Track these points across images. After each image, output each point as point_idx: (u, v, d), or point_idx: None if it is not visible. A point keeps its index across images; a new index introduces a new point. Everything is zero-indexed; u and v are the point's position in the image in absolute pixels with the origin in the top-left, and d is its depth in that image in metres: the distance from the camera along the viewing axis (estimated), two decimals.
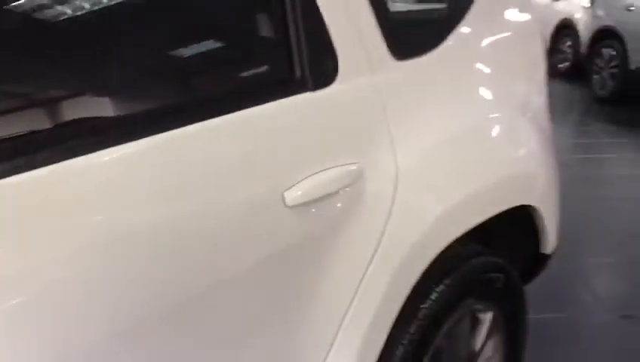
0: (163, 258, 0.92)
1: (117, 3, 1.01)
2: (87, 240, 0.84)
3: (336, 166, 1.14)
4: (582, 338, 2.41)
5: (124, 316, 0.89)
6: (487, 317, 1.61)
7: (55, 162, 0.82)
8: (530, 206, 1.59)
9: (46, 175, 0.81)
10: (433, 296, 1.39)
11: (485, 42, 1.55)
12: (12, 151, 0.80)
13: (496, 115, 1.55)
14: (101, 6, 0.98)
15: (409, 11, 1.45)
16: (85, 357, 0.86)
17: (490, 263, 1.56)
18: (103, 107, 0.97)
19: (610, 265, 3.02)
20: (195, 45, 1.09)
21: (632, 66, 6.33)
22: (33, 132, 0.85)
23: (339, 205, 1.14)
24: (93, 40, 0.96)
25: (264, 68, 1.18)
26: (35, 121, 0.89)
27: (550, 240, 1.74)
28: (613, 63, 6.64)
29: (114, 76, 1.00)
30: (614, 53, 6.60)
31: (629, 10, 6.40)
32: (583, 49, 7.23)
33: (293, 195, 1.06)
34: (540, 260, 1.79)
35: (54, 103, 0.94)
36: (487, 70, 1.54)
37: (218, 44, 1.14)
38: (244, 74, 1.18)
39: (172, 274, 0.93)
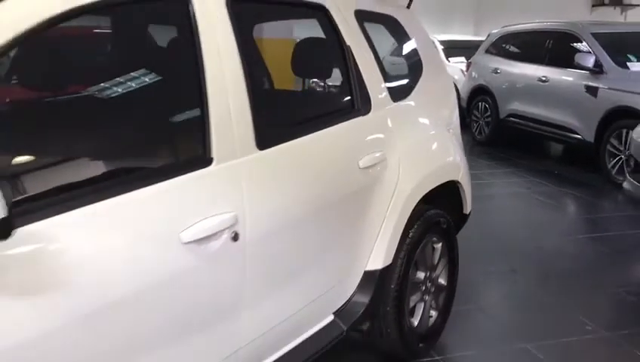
0: (308, 187, 2.08)
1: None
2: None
3: (376, 151, 2.38)
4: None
5: (283, 217, 2.04)
6: (439, 246, 2.86)
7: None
8: (457, 181, 2.89)
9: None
10: (414, 229, 2.62)
11: (429, 92, 2.88)
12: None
13: (437, 130, 2.87)
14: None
15: (394, 76, 2.74)
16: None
17: (439, 214, 2.82)
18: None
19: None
20: (314, 91, 2.31)
21: (502, 116, 8.13)
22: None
23: (378, 169, 2.38)
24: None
25: (346, 104, 2.40)
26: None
27: (468, 205, 3.06)
28: (487, 114, 8.42)
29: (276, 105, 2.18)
30: (487, 106, 8.40)
31: (497, 73, 8.25)
32: (463, 103, 8.91)
33: (362, 163, 2.29)
34: (463, 217, 3.09)
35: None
36: (431, 106, 2.86)
37: (326, 90, 2.37)
38: (338, 105, 2.41)
39: (309, 198, 2.09)
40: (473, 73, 8.82)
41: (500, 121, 8.16)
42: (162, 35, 1.76)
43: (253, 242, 1.77)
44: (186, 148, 1.74)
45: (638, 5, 15.59)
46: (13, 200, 1.08)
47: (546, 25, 7.96)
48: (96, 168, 1.46)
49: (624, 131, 6.05)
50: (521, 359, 2.88)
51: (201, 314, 1.66)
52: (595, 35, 6.89)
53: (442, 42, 9.96)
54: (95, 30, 1.72)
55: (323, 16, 2.34)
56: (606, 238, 4.78)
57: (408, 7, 3.02)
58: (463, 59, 9.62)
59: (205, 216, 1.62)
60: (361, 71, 2.41)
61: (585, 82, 6.68)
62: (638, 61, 6.70)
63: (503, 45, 8.56)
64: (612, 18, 15.26)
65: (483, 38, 9.59)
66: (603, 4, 15.75)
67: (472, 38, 11.39)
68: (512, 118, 7.98)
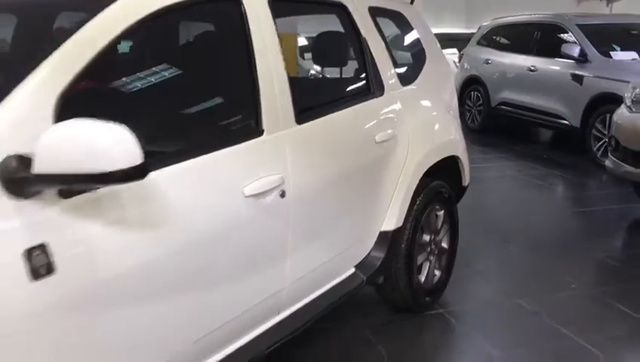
0: (336, 157, 2.47)
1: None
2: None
3: (388, 128, 2.77)
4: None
5: (317, 180, 2.44)
6: (441, 213, 3.26)
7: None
8: (457, 156, 3.29)
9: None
10: (420, 197, 3.01)
11: (432, 78, 3.27)
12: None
13: (438, 111, 3.26)
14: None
15: (402, 64, 3.13)
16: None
17: (442, 185, 3.21)
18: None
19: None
20: (337, 77, 2.70)
21: (493, 104, 8.55)
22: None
23: (391, 143, 2.77)
24: None
25: (363, 88, 2.79)
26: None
27: (466, 178, 3.46)
28: (479, 103, 8.84)
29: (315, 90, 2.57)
30: (479, 95, 8.82)
31: (488, 63, 8.66)
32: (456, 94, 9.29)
33: (377, 138, 2.68)
34: (462, 189, 3.49)
35: None
36: (434, 90, 3.26)
37: (345, 76, 2.76)
38: (357, 89, 2.80)
39: (336, 166, 2.48)
40: (465, 64, 9.22)
41: (491, 110, 8.58)
42: (223, 29, 2.14)
43: (296, 200, 2.16)
44: (245, 122, 2.12)
45: None
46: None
47: (534, 17, 8.38)
48: (188, 135, 1.83)
49: (608, 116, 6.45)
50: (514, 311, 3.28)
51: (256, 256, 2.05)
52: (581, 27, 7.31)
53: (435, 35, 10.32)
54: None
55: (342, 12, 2.73)
56: (590, 213, 5.22)
57: (412, 2, 3.41)
58: (455, 50, 10.01)
59: (260, 176, 2.01)
60: (376, 60, 2.81)
61: (571, 71, 7.09)
62: (620, 51, 7.14)
63: (494, 37, 8.97)
64: (598, 10, 15.73)
65: (474, 31, 10.01)
66: None
67: (464, 31, 11.79)
68: (502, 106, 8.39)
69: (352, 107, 2.63)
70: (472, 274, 3.72)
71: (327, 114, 2.46)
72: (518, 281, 3.68)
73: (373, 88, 2.78)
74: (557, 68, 7.37)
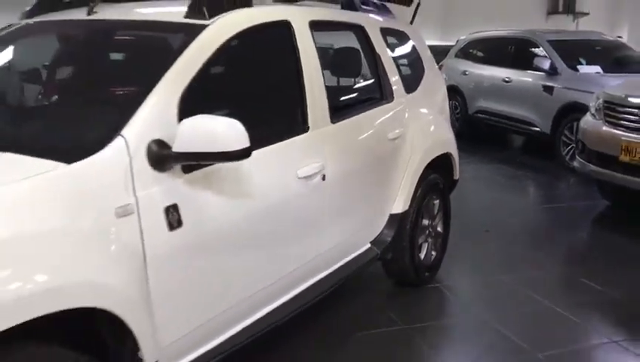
0: (359, 150, 3.04)
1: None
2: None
3: (397, 128, 3.34)
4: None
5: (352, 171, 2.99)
6: (437, 202, 3.84)
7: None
8: (450, 153, 3.88)
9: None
10: (421, 188, 3.59)
11: (429, 87, 3.86)
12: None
13: (434, 115, 3.85)
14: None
15: (406, 75, 3.71)
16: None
17: (437, 178, 3.79)
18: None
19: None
20: (356, 85, 3.27)
21: (470, 112, 9.21)
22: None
23: (399, 140, 3.34)
24: None
25: (377, 94, 3.36)
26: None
27: (456, 173, 4.05)
28: (457, 111, 9.49)
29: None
30: (457, 103, 9.48)
31: (465, 74, 9.34)
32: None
33: (390, 136, 3.26)
34: (454, 182, 4.08)
35: None
36: (431, 97, 3.85)
37: (363, 84, 3.33)
38: (372, 95, 3.36)
39: (360, 157, 3.05)
40: (444, 75, 9.83)
41: (468, 117, 9.24)
42: (281, 46, 2.69)
43: (332, 183, 2.71)
44: (297, 120, 2.66)
45: (588, 14, 17.06)
46: None
47: (508, 32, 9.09)
48: (263, 128, 2.37)
49: (575, 123, 7.14)
50: (496, 285, 3.87)
51: (304, 224, 2.60)
52: (551, 42, 8.01)
53: None
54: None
55: (360, 31, 3.30)
56: (558, 208, 5.88)
57: (411, 23, 4.01)
58: None
59: (308, 163, 2.56)
60: (387, 71, 3.38)
61: (542, 82, 7.77)
62: (586, 65, 7.85)
63: (470, 50, 9.65)
64: (565, 25, 16.71)
65: (449, 43, 10.69)
66: (557, 12, 17.20)
67: (440, 43, 12.49)
68: (479, 114, 9.06)
69: (370, 110, 3.21)
70: (459, 255, 4.30)
71: (353, 115, 3.02)
72: (498, 262, 4.28)
73: (385, 95, 3.36)
74: (529, 79, 8.04)
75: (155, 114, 1.95)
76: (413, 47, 3.86)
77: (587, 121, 5.42)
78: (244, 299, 2.29)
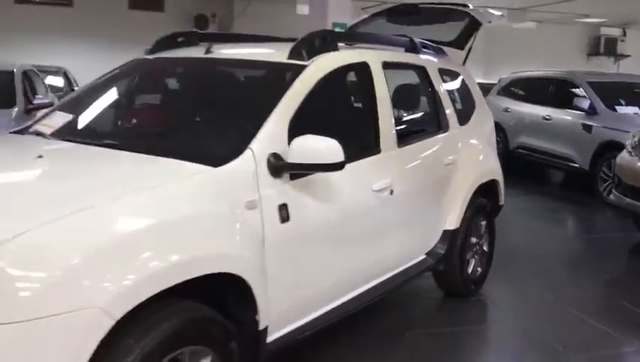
0: (421, 171, 3.55)
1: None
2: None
3: (451, 155, 3.85)
4: None
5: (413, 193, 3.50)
6: (484, 223, 4.30)
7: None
8: (496, 180, 4.35)
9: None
10: (470, 209, 4.05)
11: (479, 119, 4.36)
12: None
13: (483, 146, 4.34)
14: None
15: (459, 109, 4.21)
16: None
17: (484, 202, 4.26)
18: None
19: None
20: (417, 116, 3.80)
21: (511, 147, 9.63)
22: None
23: (453, 166, 3.84)
24: None
25: (435, 125, 3.88)
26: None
27: (501, 198, 4.51)
28: (498, 146, 9.90)
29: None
30: (499, 139, 9.89)
31: (507, 111, 9.79)
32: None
33: (445, 161, 3.76)
34: (499, 207, 4.54)
35: None
36: (480, 129, 4.34)
37: (422, 116, 3.86)
38: (431, 126, 3.88)
39: (421, 178, 3.56)
40: None
41: (509, 152, 9.66)
42: (360, 83, 3.26)
43: (398, 197, 3.22)
44: (372, 144, 3.18)
45: (629, 56, 17.34)
46: None
47: (549, 73, 9.55)
48: (347, 147, 2.88)
49: (612, 161, 7.50)
50: (538, 302, 4.28)
51: (376, 231, 3.11)
52: (591, 83, 8.43)
53: None
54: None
55: (422, 71, 3.84)
56: (596, 238, 6.25)
57: (464, 64, 4.53)
58: None
59: (380, 179, 3.08)
60: (443, 105, 3.91)
61: (581, 121, 8.17)
62: (624, 105, 8.24)
63: (512, 88, 10.12)
64: (606, 66, 17.04)
65: (492, 81, 11.17)
66: (598, 54, 17.54)
67: (483, 81, 12.99)
68: (520, 150, 9.48)
69: (429, 138, 3.72)
70: (503, 275, 4.72)
71: (415, 142, 3.55)
72: (538, 282, 4.69)
73: (442, 126, 3.87)
74: (569, 118, 8.46)
75: (273, 133, 2.50)
76: (466, 85, 4.38)
77: (623, 157, 5.81)
78: (334, 284, 2.80)
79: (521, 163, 9.60)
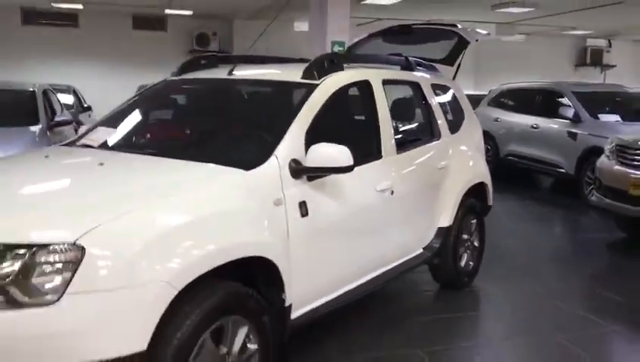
0: (417, 175, 4.03)
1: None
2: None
3: (444, 160, 4.33)
4: None
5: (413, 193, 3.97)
6: (474, 221, 4.77)
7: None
8: (485, 183, 4.83)
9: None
10: (462, 209, 4.52)
11: (468, 129, 4.84)
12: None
13: (472, 152, 4.82)
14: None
15: (450, 119, 4.69)
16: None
17: (474, 202, 4.73)
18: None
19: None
20: (413, 126, 4.29)
21: (502, 155, 10.14)
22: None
23: (445, 170, 4.32)
24: None
25: (428, 134, 4.36)
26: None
27: (490, 199, 4.98)
28: (489, 154, 10.41)
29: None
30: (490, 147, 10.40)
31: (497, 121, 10.30)
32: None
33: (438, 166, 4.25)
34: (488, 207, 5.01)
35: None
36: (469, 136, 4.82)
37: (417, 126, 4.34)
38: (425, 134, 4.36)
39: (418, 180, 4.03)
40: None
41: (500, 160, 10.16)
42: (364, 97, 3.74)
43: (398, 197, 3.68)
44: (374, 150, 3.65)
45: (614, 66, 17.96)
46: None
47: (537, 84, 10.09)
48: (355, 154, 3.33)
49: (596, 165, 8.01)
50: (524, 292, 4.74)
51: (380, 226, 3.57)
52: (575, 93, 8.95)
53: None
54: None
55: (417, 87, 4.33)
56: (580, 238, 6.73)
57: (454, 78, 5.02)
58: None
59: (382, 180, 3.55)
60: (436, 116, 4.39)
61: (567, 129, 8.68)
62: (607, 113, 8.75)
63: (502, 99, 10.65)
64: (593, 77, 17.64)
65: (482, 93, 11.70)
66: (585, 65, 18.14)
67: (473, 93, 13.52)
68: (510, 157, 9.98)
69: (424, 145, 4.20)
70: (494, 270, 5.18)
71: (411, 149, 4.03)
72: (526, 276, 5.15)
73: (435, 134, 4.36)
74: (555, 126, 8.96)
75: (292, 142, 2.97)
76: (456, 98, 4.87)
77: (603, 161, 6.31)
78: (345, 271, 3.27)
79: (511, 169, 10.10)
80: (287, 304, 2.83)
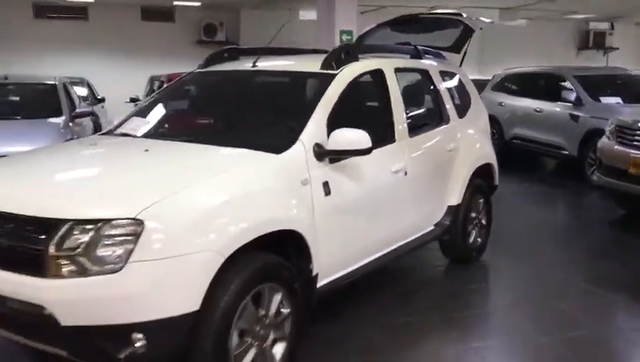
0: (429, 156, 4.32)
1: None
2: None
3: (452, 143, 4.62)
4: None
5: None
6: (481, 200, 5.07)
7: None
8: (491, 163, 5.12)
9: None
10: (470, 189, 4.81)
11: (475, 113, 5.12)
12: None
13: (479, 135, 5.10)
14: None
15: (458, 104, 4.97)
16: None
17: (481, 182, 5.02)
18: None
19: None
20: (423, 111, 4.58)
21: (506, 138, 10.40)
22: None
23: (454, 152, 4.61)
24: None
25: (437, 118, 4.64)
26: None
27: (496, 180, 5.28)
28: (494, 137, 10.66)
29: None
30: (495, 131, 10.66)
31: (501, 105, 10.56)
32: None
33: (447, 148, 4.54)
34: (494, 187, 5.31)
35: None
36: (475, 120, 5.11)
37: (427, 110, 4.63)
38: (434, 119, 4.65)
39: (429, 161, 4.32)
40: None
41: (505, 143, 10.42)
42: (377, 85, 4.02)
43: (411, 177, 3.98)
44: (388, 134, 3.94)
45: (617, 48, 18.12)
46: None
47: (539, 68, 10.34)
48: (372, 138, 3.61)
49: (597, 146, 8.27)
50: (529, 265, 5.04)
51: (395, 204, 3.88)
52: (577, 77, 9.18)
53: None
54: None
55: (426, 74, 4.61)
56: (581, 215, 7.01)
57: (460, 66, 5.30)
58: None
59: (396, 162, 3.85)
60: (444, 102, 4.67)
61: (569, 112, 8.93)
62: (608, 96, 9.00)
63: (506, 84, 10.89)
64: (595, 60, 17.82)
65: (486, 78, 11.93)
66: (588, 48, 18.30)
67: (478, 78, 13.75)
68: (515, 141, 10.24)
69: (434, 129, 4.49)
70: (501, 246, 5.48)
71: (423, 132, 4.32)
72: (530, 250, 5.46)
73: (443, 118, 4.64)
74: (558, 109, 9.21)
75: (316, 128, 3.27)
76: (462, 84, 5.14)
77: (603, 141, 6.58)
78: (363, 245, 3.58)
79: (516, 152, 10.36)
80: (314, 273, 3.15)
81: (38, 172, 3.05)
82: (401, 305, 4.15)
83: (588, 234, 6.13)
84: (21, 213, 2.53)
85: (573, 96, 8.90)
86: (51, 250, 2.39)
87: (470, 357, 3.48)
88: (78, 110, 7.54)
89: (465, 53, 5.32)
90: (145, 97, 11.43)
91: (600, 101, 8.79)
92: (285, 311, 2.93)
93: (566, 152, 9.05)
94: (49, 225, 2.43)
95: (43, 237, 2.42)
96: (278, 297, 2.88)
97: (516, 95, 10.42)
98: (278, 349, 2.92)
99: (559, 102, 9.18)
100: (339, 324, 3.78)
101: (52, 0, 13.76)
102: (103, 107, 11.56)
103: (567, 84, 9.23)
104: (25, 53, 13.38)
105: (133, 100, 11.06)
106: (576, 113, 8.81)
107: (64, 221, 2.41)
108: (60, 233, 2.40)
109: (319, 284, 3.24)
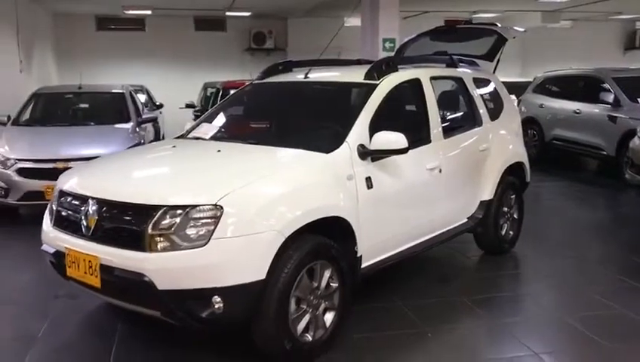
0: (463, 156, 4.80)
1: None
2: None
3: (484, 143, 5.08)
4: None
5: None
6: (513, 196, 5.50)
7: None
8: (522, 162, 5.55)
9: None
10: (502, 185, 5.25)
11: (507, 116, 5.56)
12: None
13: (511, 136, 5.54)
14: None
15: (490, 108, 5.42)
16: None
17: (513, 179, 5.44)
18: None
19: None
20: (458, 115, 5.06)
21: (547, 139, 10.68)
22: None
23: (486, 152, 5.07)
24: None
25: (471, 121, 5.11)
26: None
27: (528, 177, 5.70)
28: (535, 138, 10.98)
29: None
30: (535, 132, 10.97)
31: (542, 107, 10.85)
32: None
33: (480, 148, 5.01)
34: (525, 184, 5.73)
35: None
36: (508, 123, 5.55)
37: (461, 114, 5.12)
38: (468, 122, 5.12)
39: (463, 161, 4.80)
40: (523, 108, 11.38)
41: (545, 144, 10.71)
42: (414, 92, 4.54)
43: (445, 174, 4.47)
44: (424, 136, 4.44)
45: None
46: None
47: (578, 71, 10.60)
48: (410, 139, 4.11)
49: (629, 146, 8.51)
50: (559, 257, 5.44)
51: (430, 199, 4.38)
52: (615, 79, 9.43)
53: None
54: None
55: (461, 81, 5.10)
56: (617, 212, 7.32)
57: (494, 72, 5.74)
58: (513, 97, 12.20)
59: (431, 161, 4.35)
60: (477, 106, 5.14)
61: (607, 113, 9.19)
62: None
63: (546, 86, 11.16)
64: None
65: (528, 80, 12.21)
66: (634, 48, 18.22)
67: (520, 80, 14.00)
68: (554, 141, 10.52)
69: (467, 131, 4.97)
70: (534, 240, 5.89)
71: (457, 134, 4.81)
72: (563, 244, 5.85)
73: (476, 121, 5.11)
74: (597, 111, 9.47)
75: (359, 131, 3.82)
76: (495, 89, 5.59)
77: (635, 142, 6.89)
78: (401, 233, 4.10)
79: (556, 153, 10.65)
80: (358, 255, 3.69)
81: (132, 169, 3.76)
82: (436, 288, 4.64)
83: (622, 230, 6.46)
84: (124, 201, 3.19)
85: (611, 98, 9.17)
86: (149, 229, 3.03)
87: (500, 330, 3.95)
88: (144, 116, 8.29)
89: (498, 60, 5.76)
90: (199, 103, 12.24)
91: (638, 102, 9.01)
92: (334, 284, 3.48)
93: (604, 153, 9.30)
94: (147, 210, 3.07)
95: (142, 219, 3.06)
96: (328, 273, 3.43)
97: (556, 97, 10.70)
98: (329, 317, 3.48)
99: (598, 104, 9.44)
100: (378, 302, 4.30)
101: (113, 13, 14.72)
102: (160, 113, 12.38)
103: (605, 85, 9.49)
104: (90, 63, 14.37)
105: (189, 106, 11.85)
106: (614, 114, 9.06)
107: (159, 207, 3.05)
108: (156, 216, 3.03)
109: (363, 265, 3.78)
